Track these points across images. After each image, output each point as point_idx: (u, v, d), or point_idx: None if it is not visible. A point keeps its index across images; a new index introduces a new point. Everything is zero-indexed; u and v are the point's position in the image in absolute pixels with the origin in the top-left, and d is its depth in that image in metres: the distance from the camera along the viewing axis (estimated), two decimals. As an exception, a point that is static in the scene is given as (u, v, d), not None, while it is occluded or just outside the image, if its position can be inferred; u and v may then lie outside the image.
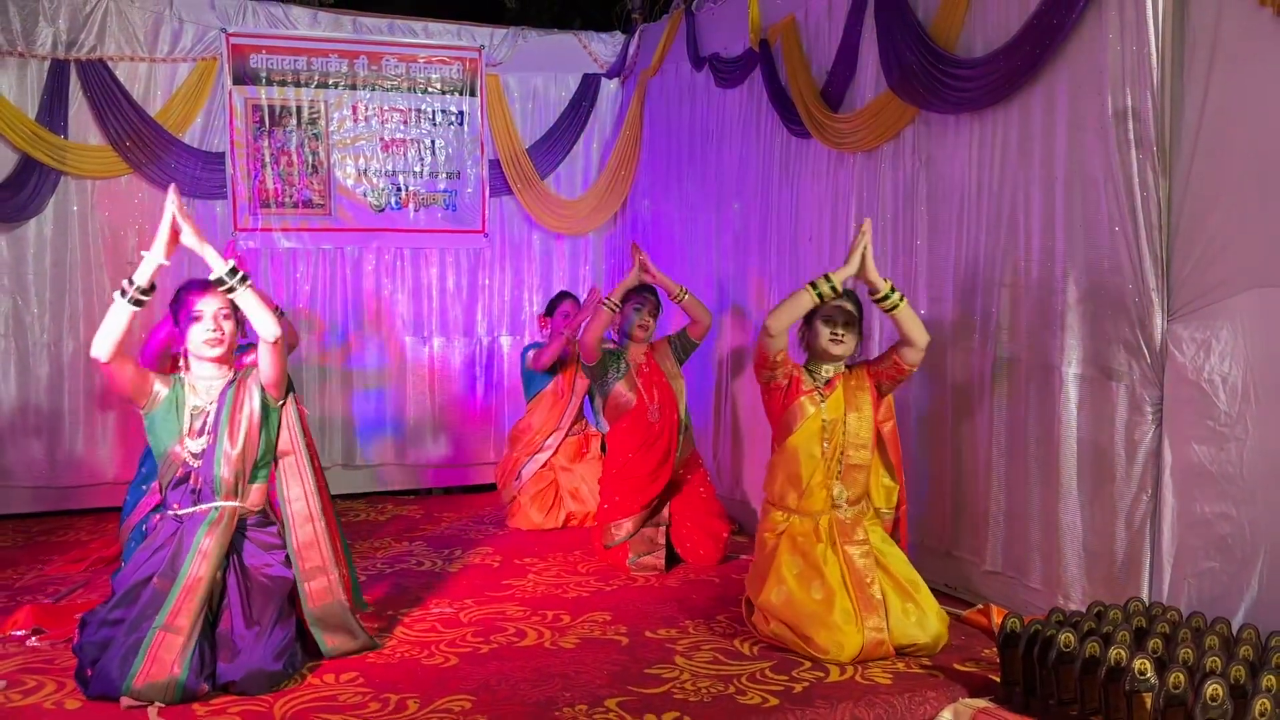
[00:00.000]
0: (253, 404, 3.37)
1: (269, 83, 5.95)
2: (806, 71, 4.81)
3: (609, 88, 6.72)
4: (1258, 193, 3.02)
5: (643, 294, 4.88)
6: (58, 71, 5.53)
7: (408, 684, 3.21)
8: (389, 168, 6.26)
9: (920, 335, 3.60)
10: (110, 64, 5.63)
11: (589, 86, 6.67)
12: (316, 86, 6.07)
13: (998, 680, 3.13)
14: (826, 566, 3.54)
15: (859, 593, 3.48)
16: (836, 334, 3.67)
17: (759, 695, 3.12)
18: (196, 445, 3.33)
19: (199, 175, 5.84)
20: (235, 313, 3.37)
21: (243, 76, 5.91)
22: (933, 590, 4.07)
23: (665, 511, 4.78)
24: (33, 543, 5.08)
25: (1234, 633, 2.93)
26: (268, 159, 5.96)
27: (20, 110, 5.47)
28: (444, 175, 6.38)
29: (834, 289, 3.57)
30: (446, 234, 6.42)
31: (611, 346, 4.90)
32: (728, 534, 4.80)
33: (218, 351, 3.35)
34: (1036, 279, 3.70)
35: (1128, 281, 3.33)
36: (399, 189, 6.29)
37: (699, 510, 4.81)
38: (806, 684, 3.21)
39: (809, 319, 3.72)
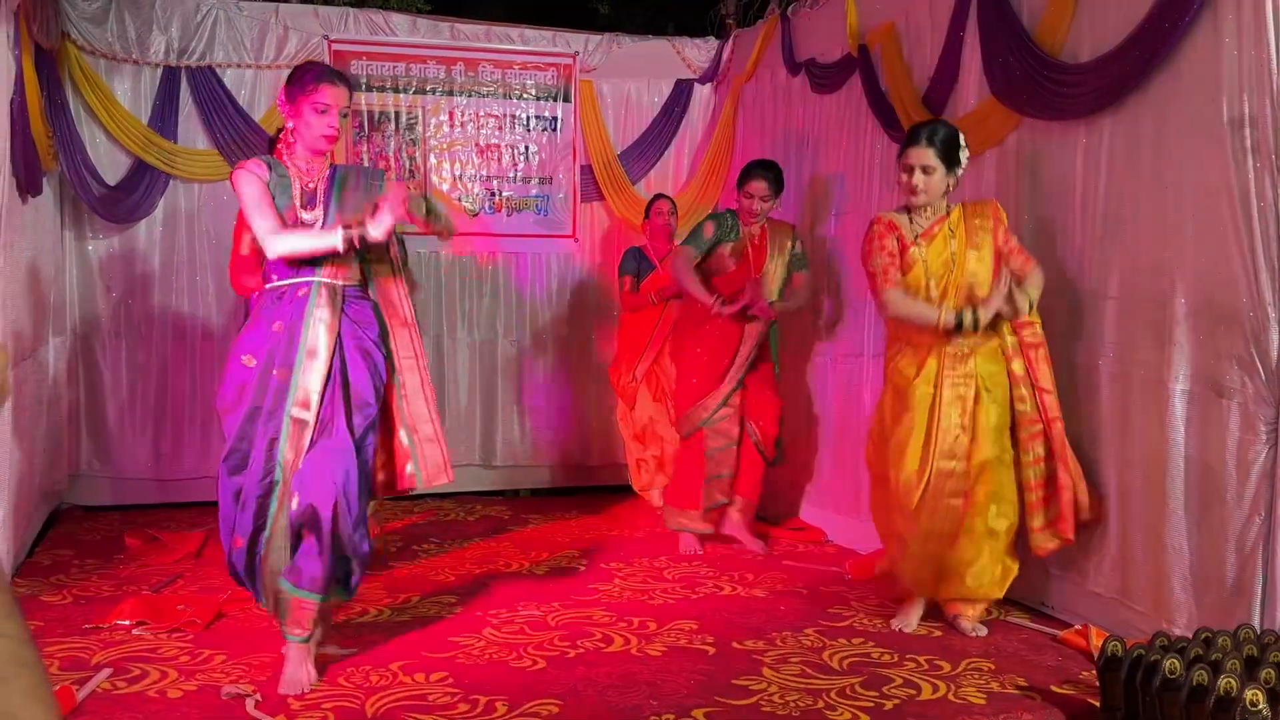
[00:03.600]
0: (373, 195, 3.34)
1: (369, 88, 6.07)
2: (908, 77, 4.74)
3: (701, 93, 6.70)
4: (1386, 204, 2.88)
5: (759, 178, 4.91)
6: (169, 78, 5.72)
7: (496, 686, 3.23)
8: (483, 173, 6.34)
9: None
10: (218, 70, 5.81)
11: (681, 92, 6.66)
12: (415, 92, 6.17)
13: (1097, 705, 3.03)
14: (919, 408, 3.68)
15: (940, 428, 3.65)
16: (915, 184, 3.69)
17: (849, 711, 3.07)
18: (310, 216, 3.31)
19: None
20: (350, 111, 3.39)
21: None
22: (1030, 609, 4.01)
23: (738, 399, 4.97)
24: (137, 534, 5.25)
25: (1353, 665, 2.79)
26: (366, 163, 6.07)
27: (134, 116, 5.67)
28: (536, 180, 6.44)
29: (977, 325, 3.59)
30: (537, 238, 6.48)
31: (724, 211, 5.08)
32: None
33: (329, 147, 3.35)
34: (1144, 291, 3.58)
35: (1242, 295, 3.20)
36: (493, 194, 6.36)
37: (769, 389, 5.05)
38: (898, 701, 3.15)
39: (897, 164, 3.79)
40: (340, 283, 3.32)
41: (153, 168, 5.68)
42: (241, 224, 4.28)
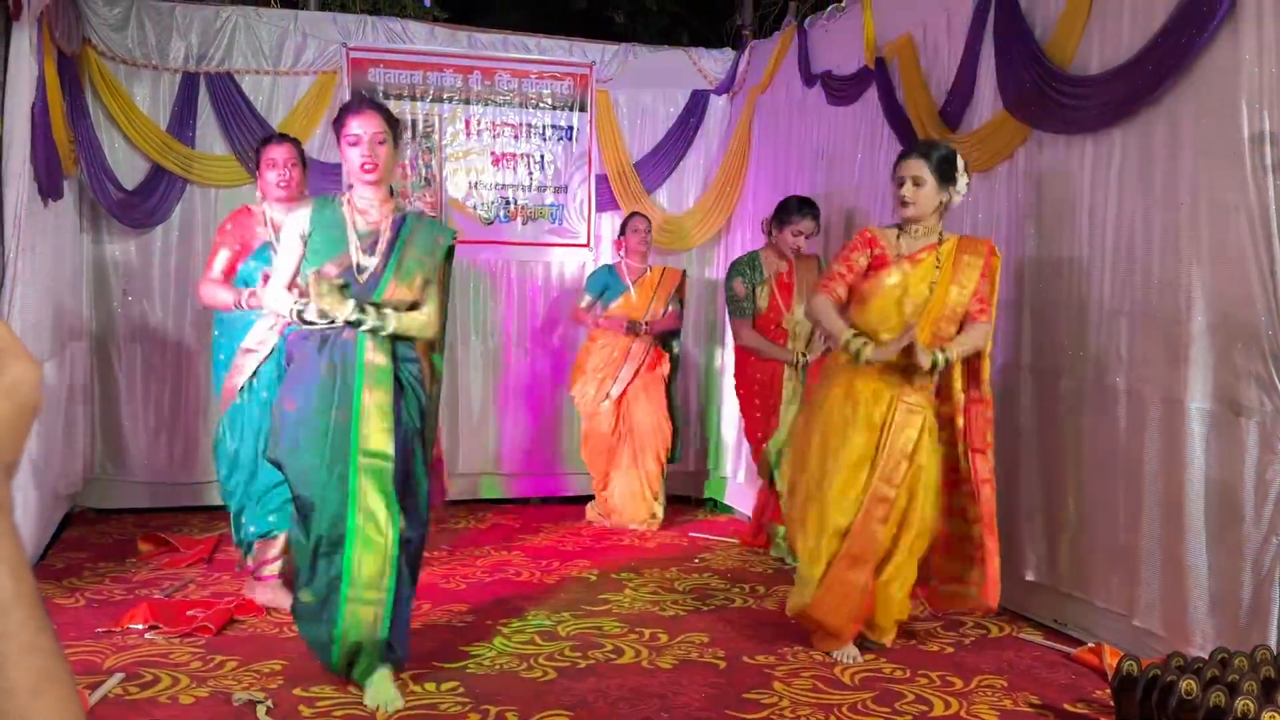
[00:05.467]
0: (432, 261, 3.32)
1: (386, 96, 6.08)
2: (924, 90, 4.74)
3: (717, 104, 6.70)
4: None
5: (802, 214, 5.00)
6: (188, 84, 5.74)
7: (507, 697, 3.23)
8: (499, 181, 6.35)
9: (984, 346, 3.65)
10: (236, 77, 5.83)
11: (697, 103, 6.67)
12: (431, 100, 6.19)
13: (1111, 725, 3.02)
14: (868, 428, 3.57)
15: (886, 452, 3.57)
16: (904, 195, 3.64)
17: (860, 727, 3.06)
18: (368, 261, 3.25)
19: (318, 186, 5.99)
20: (394, 140, 3.32)
21: (361, 90, 6.06)
22: (1043, 627, 3.99)
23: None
24: (149, 538, 5.26)
25: (1371, 689, 2.77)
26: (382, 171, 6.08)
27: (153, 121, 5.69)
28: (551, 189, 6.45)
29: (860, 356, 3.53)
30: (552, 247, 6.49)
31: (742, 259, 5.25)
32: None
33: (371, 178, 3.29)
34: (1158, 308, 3.57)
35: (1260, 313, 3.18)
36: (508, 202, 6.37)
37: None
38: (910, 717, 3.14)
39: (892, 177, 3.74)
40: None
41: (170, 173, 5.70)
42: (218, 244, 4.29)
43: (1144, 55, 3.53)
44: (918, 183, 3.62)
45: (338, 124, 3.34)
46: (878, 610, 3.66)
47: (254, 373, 4.13)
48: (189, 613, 3.89)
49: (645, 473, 5.69)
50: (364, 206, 3.31)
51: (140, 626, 3.76)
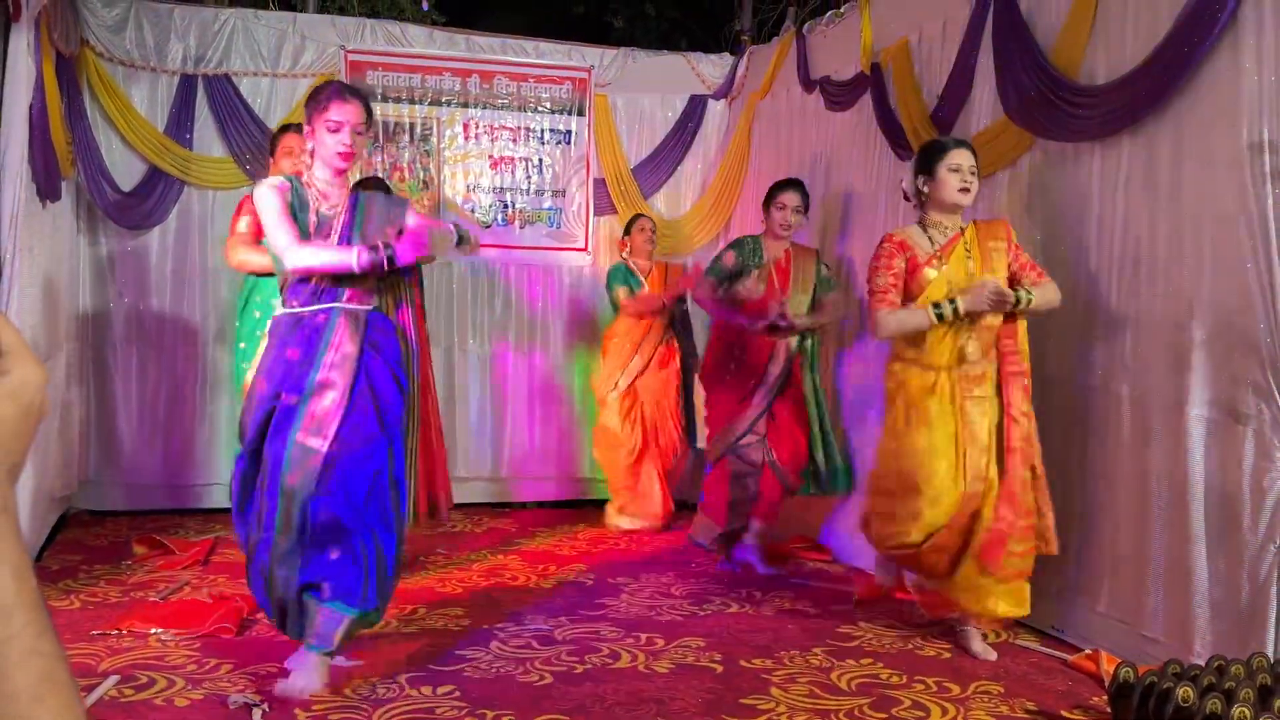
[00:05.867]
0: (394, 227, 3.36)
1: (384, 99, 6.09)
2: (917, 95, 4.75)
3: (715, 109, 6.72)
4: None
5: (782, 189, 4.98)
6: (186, 86, 5.74)
7: (504, 701, 3.22)
8: (497, 185, 6.36)
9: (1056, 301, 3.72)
10: (235, 79, 5.83)
11: (696, 107, 6.68)
12: (430, 104, 6.19)
13: (1108, 731, 3.02)
14: (939, 424, 3.62)
15: (968, 449, 3.60)
16: (966, 183, 3.69)
17: (857, 733, 3.05)
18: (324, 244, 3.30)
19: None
20: (368, 129, 3.36)
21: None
22: (1040, 632, 3.98)
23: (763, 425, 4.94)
24: (145, 540, 5.24)
25: (1368, 696, 2.76)
26: (380, 174, 6.09)
27: (150, 122, 5.69)
28: (549, 193, 6.45)
29: (955, 313, 3.59)
30: (549, 251, 6.49)
31: (745, 238, 5.14)
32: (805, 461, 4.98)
33: (345, 165, 3.33)
34: (1160, 316, 3.57)
35: (1259, 321, 3.19)
36: (506, 206, 6.38)
37: (796, 417, 4.96)
38: (906, 724, 3.14)
39: (931, 170, 3.72)
40: (362, 308, 3.31)
41: (167, 174, 5.70)
42: (239, 213, 4.37)
43: (1150, 63, 3.53)
44: (973, 171, 3.72)
45: (316, 105, 3.28)
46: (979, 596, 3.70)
47: None
48: (209, 619, 3.83)
49: (653, 469, 5.73)
50: (325, 190, 3.34)
51: (156, 630, 3.73)
